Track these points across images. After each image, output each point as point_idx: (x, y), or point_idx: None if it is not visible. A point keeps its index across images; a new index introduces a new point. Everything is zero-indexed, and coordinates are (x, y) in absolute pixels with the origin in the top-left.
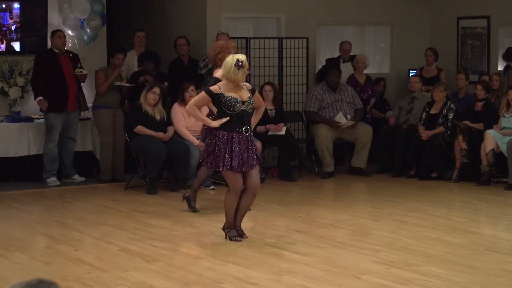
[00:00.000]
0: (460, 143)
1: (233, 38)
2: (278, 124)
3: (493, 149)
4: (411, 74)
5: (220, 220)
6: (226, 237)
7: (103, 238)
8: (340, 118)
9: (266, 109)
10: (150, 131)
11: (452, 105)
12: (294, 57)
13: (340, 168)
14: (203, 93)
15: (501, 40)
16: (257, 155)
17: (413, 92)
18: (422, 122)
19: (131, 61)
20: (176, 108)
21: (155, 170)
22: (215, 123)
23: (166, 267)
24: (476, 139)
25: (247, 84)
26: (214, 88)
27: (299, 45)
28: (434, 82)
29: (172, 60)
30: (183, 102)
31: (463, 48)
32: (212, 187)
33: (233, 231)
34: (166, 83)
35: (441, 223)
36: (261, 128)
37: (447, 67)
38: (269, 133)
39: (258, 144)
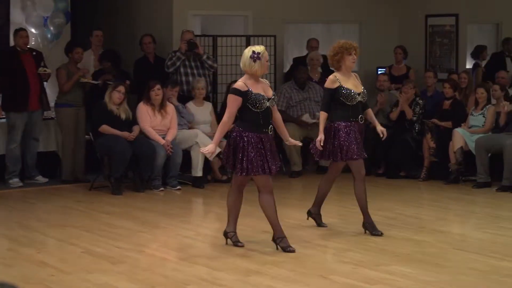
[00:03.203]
0: (429, 142)
1: (200, 36)
2: None
3: (461, 148)
4: (379, 72)
5: (186, 221)
6: (277, 248)
7: (67, 240)
8: (307, 118)
9: None
10: (115, 130)
11: (420, 101)
12: None
13: (308, 167)
14: (232, 96)
15: (469, 37)
16: (279, 156)
17: (382, 90)
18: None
19: (87, 61)
20: (142, 107)
21: (120, 170)
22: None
23: (132, 269)
24: (444, 137)
25: (265, 80)
26: (239, 85)
27: (267, 43)
28: (403, 80)
29: (138, 58)
30: (149, 101)
31: (432, 46)
32: (178, 187)
33: (285, 240)
34: (127, 82)
35: (409, 222)
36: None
37: (416, 65)
38: None
39: (225, 143)
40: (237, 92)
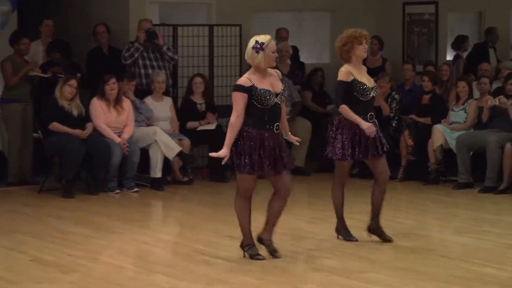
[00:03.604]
0: (406, 139)
1: (158, 25)
2: (208, 114)
3: (441, 145)
4: None
5: (144, 226)
6: (244, 256)
7: (14, 247)
8: None
9: (195, 103)
10: (67, 128)
11: (396, 95)
12: (226, 46)
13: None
14: (237, 94)
15: (450, 27)
16: (288, 156)
17: None
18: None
19: (36, 52)
20: (96, 103)
21: (72, 171)
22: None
23: (84, 278)
24: (423, 134)
25: (277, 71)
26: (243, 80)
27: (232, 33)
28: (379, 72)
29: (91, 49)
30: (103, 96)
31: (410, 36)
32: (135, 189)
33: (254, 249)
34: (78, 75)
35: (386, 225)
36: (192, 125)
37: (392, 57)
38: (199, 128)
39: (186, 142)
40: (241, 88)
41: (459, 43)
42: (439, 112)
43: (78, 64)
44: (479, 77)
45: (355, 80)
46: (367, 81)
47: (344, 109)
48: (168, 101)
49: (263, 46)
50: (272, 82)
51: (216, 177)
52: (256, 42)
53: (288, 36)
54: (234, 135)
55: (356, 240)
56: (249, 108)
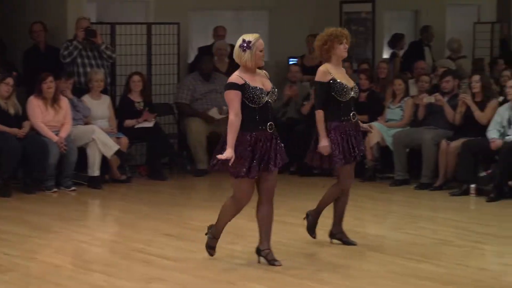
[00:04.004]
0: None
1: (96, 23)
2: (145, 113)
3: (378, 143)
4: (291, 63)
5: (82, 225)
6: (207, 245)
7: None
8: (214, 113)
9: (133, 102)
10: (3, 126)
11: None
12: (164, 44)
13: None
14: (231, 92)
15: (386, 25)
16: (281, 156)
17: (293, 82)
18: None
19: None
20: (33, 101)
21: (9, 169)
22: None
23: (22, 278)
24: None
25: (264, 71)
26: (235, 78)
27: (170, 31)
28: (316, 71)
29: (28, 48)
30: (40, 94)
31: None
32: (73, 188)
33: (214, 241)
34: (14, 73)
35: (324, 222)
36: (130, 122)
37: None
38: (136, 126)
39: (124, 140)
40: (235, 86)
41: (395, 41)
42: (375, 109)
43: (11, 62)
44: (418, 76)
45: (333, 80)
46: (347, 81)
47: (319, 115)
48: (106, 99)
49: (250, 44)
50: (262, 81)
51: (154, 175)
52: (243, 40)
53: (226, 34)
54: (235, 135)
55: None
56: (241, 109)
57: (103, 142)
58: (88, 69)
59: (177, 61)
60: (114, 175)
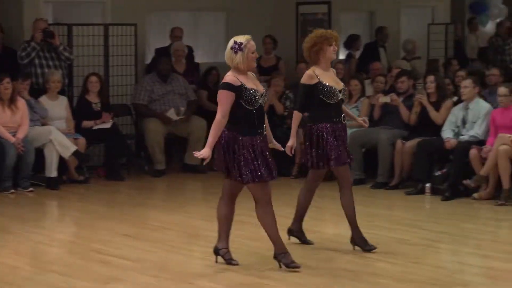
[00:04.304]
0: (301, 137)
1: (53, 24)
2: (103, 114)
3: None
4: None
5: (40, 225)
6: (280, 266)
7: None
8: (172, 114)
9: (91, 103)
10: None
11: (290, 94)
12: (121, 45)
13: (173, 165)
14: (224, 92)
15: (342, 26)
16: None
17: None
18: None
19: None
20: None
21: None
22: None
23: None
24: None
25: (251, 73)
26: (231, 79)
27: (127, 32)
28: (273, 71)
29: None
30: None
31: (303, 36)
32: (30, 188)
33: (289, 256)
34: None
35: (281, 222)
36: (87, 123)
37: (286, 56)
38: (94, 127)
39: (81, 141)
40: (230, 87)
41: (351, 42)
42: None
43: None
44: (374, 76)
45: (319, 83)
46: (335, 83)
47: (295, 115)
48: (63, 100)
49: (242, 46)
50: (254, 83)
51: (112, 176)
52: (235, 42)
53: (183, 35)
54: (217, 135)
55: (375, 248)
56: (237, 111)
57: (61, 143)
58: (46, 70)
59: (134, 62)
60: (72, 176)
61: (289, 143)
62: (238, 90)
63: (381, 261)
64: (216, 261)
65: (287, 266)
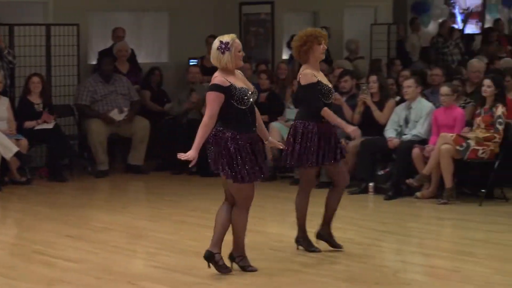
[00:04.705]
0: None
1: None
2: (45, 114)
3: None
4: (191, 64)
5: None
6: (240, 268)
7: None
8: (115, 114)
9: (33, 103)
10: None
11: None
12: (64, 45)
13: (116, 166)
14: (213, 94)
15: (286, 27)
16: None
17: (193, 83)
18: None
19: None
20: None
21: None
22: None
23: None
24: None
25: (239, 71)
26: (219, 80)
27: (69, 33)
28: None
29: None
30: None
31: (247, 36)
32: None
33: (247, 260)
34: None
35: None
36: (29, 124)
37: None
38: (36, 128)
39: (23, 142)
40: (219, 88)
41: None
42: (275, 109)
43: None
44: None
45: (319, 82)
46: (327, 82)
47: (327, 111)
48: (5, 101)
49: (228, 45)
50: (244, 81)
51: (55, 177)
52: (221, 42)
53: (125, 35)
54: (204, 137)
55: (319, 251)
56: (229, 111)
57: (2, 144)
58: None
59: (76, 62)
60: (14, 177)
61: (350, 129)
62: (228, 91)
63: (325, 260)
64: (209, 267)
65: (244, 269)
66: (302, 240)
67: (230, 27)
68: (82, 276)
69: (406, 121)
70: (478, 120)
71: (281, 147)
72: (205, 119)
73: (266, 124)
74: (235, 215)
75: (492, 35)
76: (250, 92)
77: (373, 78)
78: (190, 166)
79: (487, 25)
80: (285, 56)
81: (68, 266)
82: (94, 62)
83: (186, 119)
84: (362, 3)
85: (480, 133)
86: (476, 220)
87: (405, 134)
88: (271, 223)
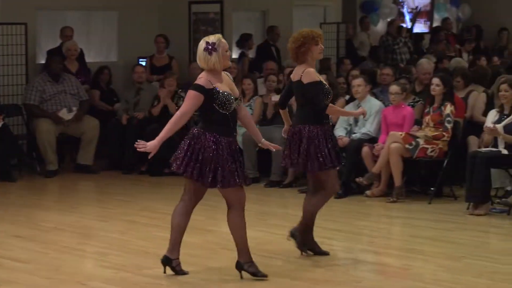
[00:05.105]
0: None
1: None
2: None
3: None
4: (140, 62)
5: None
6: (251, 275)
7: None
8: (64, 114)
9: None
10: None
11: (182, 94)
12: (11, 44)
13: (65, 165)
14: (192, 92)
15: (235, 26)
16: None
17: (140, 83)
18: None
19: None
20: None
21: None
22: None
23: None
24: None
25: (227, 73)
26: (203, 81)
27: (17, 32)
28: (166, 70)
29: None
30: None
31: (196, 35)
32: None
33: (255, 265)
34: None
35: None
36: None
37: (180, 55)
38: None
39: None
40: (200, 89)
41: (243, 41)
42: None
43: None
44: (267, 75)
45: (321, 81)
46: (326, 82)
47: (333, 107)
48: None
49: (215, 46)
50: (230, 86)
51: (3, 177)
52: (207, 43)
53: (73, 34)
54: (171, 131)
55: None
56: (210, 115)
57: None
58: None
59: (24, 61)
60: None
61: (360, 110)
62: (210, 94)
63: (276, 259)
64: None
65: (256, 275)
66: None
67: (180, 26)
68: (31, 276)
69: (356, 120)
70: (427, 118)
71: (274, 150)
72: (177, 113)
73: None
74: (231, 218)
75: (440, 34)
76: (233, 98)
77: (323, 77)
78: (149, 157)
79: (435, 24)
80: (234, 55)
81: (16, 266)
82: (43, 62)
83: (136, 119)
84: (311, 2)
85: (429, 132)
86: (425, 218)
87: (354, 133)
88: (223, 223)
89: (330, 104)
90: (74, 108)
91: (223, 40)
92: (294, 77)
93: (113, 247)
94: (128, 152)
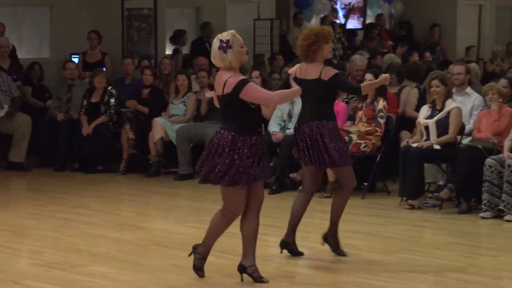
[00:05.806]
0: (127, 133)
1: None
2: None
3: (162, 138)
4: (73, 59)
5: None
6: (253, 280)
7: None
8: None
9: None
10: None
11: (112, 91)
12: None
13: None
14: (251, 83)
15: (169, 22)
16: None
17: (72, 79)
18: (83, 111)
19: None
20: None
21: None
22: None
23: None
24: (144, 128)
25: None
26: (240, 76)
27: None
28: (98, 67)
29: None
30: None
31: (129, 31)
32: None
33: (257, 270)
34: None
35: (108, 219)
36: None
37: (113, 51)
38: None
39: None
40: (248, 80)
41: (177, 37)
42: (159, 105)
43: None
44: (197, 71)
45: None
46: None
47: (365, 84)
48: None
49: (230, 43)
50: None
51: None
52: (221, 41)
53: (5, 30)
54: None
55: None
56: (239, 112)
57: None
58: None
59: None
60: None
61: (384, 75)
62: None
63: (211, 255)
64: (242, 280)
65: (260, 280)
66: (332, 240)
67: (113, 22)
68: None
69: (290, 115)
70: (360, 113)
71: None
72: (273, 98)
73: (150, 119)
74: (247, 222)
75: (373, 30)
76: None
77: (256, 73)
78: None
79: (368, 21)
80: (168, 51)
81: None
82: None
83: (68, 115)
84: None
85: (362, 127)
86: (359, 213)
87: (288, 129)
88: (156, 219)
89: (362, 84)
90: (6, 106)
91: (237, 36)
92: (307, 75)
93: (46, 244)
94: (61, 149)
